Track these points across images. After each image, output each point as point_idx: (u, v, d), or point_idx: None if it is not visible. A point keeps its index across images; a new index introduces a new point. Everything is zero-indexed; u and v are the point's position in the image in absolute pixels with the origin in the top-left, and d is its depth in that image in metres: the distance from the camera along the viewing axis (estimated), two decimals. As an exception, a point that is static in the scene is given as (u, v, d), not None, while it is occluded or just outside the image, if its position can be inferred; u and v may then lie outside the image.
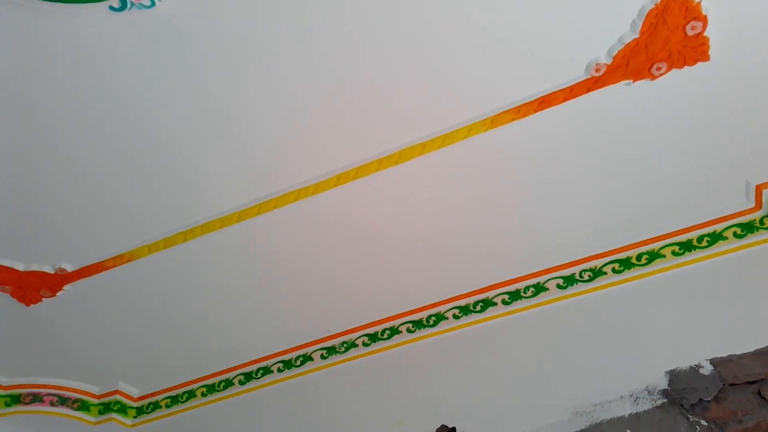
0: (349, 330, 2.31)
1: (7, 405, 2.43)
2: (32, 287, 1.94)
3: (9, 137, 1.47)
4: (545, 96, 1.53)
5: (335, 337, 2.35)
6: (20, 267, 1.88)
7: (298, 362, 2.40)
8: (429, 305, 2.23)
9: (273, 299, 2.13)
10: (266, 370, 2.44)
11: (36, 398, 2.45)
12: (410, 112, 1.54)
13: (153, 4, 1.21)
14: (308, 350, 2.38)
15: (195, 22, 1.27)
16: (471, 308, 2.20)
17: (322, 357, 2.36)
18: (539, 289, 2.12)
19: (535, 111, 1.56)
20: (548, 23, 1.38)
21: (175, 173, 1.62)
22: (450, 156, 1.67)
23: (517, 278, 2.15)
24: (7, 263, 1.86)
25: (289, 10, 1.28)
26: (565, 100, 1.54)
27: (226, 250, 1.89)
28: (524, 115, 1.58)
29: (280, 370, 2.42)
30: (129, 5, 1.21)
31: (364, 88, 1.46)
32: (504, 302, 2.17)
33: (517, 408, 1.96)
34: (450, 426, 2.04)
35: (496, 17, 1.36)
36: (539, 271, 2.11)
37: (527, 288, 2.14)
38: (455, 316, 2.22)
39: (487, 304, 2.19)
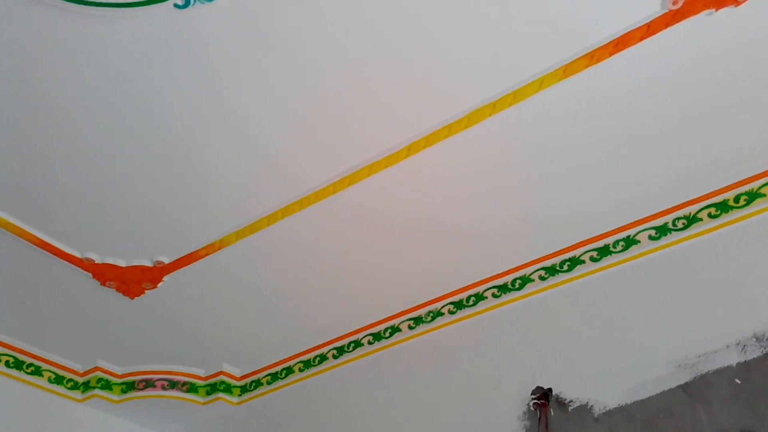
0: (433, 299, 2.32)
1: (123, 392, 2.63)
2: (135, 281, 2.07)
3: (97, 142, 1.56)
4: (620, 37, 1.44)
5: (421, 307, 2.36)
6: (122, 263, 2.01)
7: (387, 334, 2.44)
8: (513, 269, 2.19)
9: (356, 276, 2.16)
10: (357, 343, 2.50)
11: (148, 384, 2.64)
12: (475, 70, 1.49)
13: (212, -4, 1.24)
14: (395, 321, 2.41)
15: (254, 14, 1.29)
16: (558, 268, 2.15)
17: (410, 327, 2.39)
18: (630, 242, 2.03)
19: (610, 54, 1.48)
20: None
21: (256, 162, 1.67)
22: (522, 113, 1.61)
23: (604, 233, 2.06)
24: (110, 261, 1.99)
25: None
26: (642, 39, 1.44)
27: (307, 231, 1.93)
28: (599, 61, 1.49)
29: (370, 342, 2.48)
30: (192, 1, 1.24)
31: (421, 45, 1.43)
32: (592, 259, 2.10)
33: (617, 365, 1.91)
34: (546, 387, 2.02)
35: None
36: (628, 224, 2.01)
37: (616, 243, 2.06)
38: (541, 278, 2.18)
39: (575, 262, 2.12)
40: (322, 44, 1.38)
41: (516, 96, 1.57)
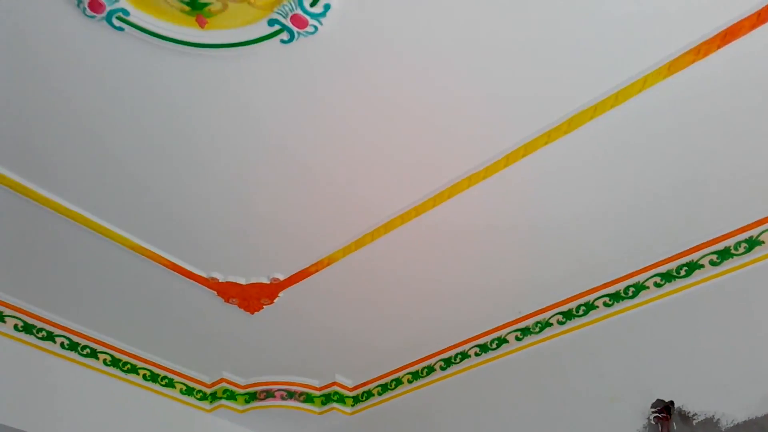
0: (540, 309, 2.28)
1: (247, 402, 2.81)
2: (254, 297, 2.23)
3: (224, 171, 1.71)
4: (728, 28, 1.37)
5: (528, 318, 2.33)
6: (242, 281, 2.17)
7: (494, 345, 2.43)
8: (626, 275, 2.11)
9: (457, 287, 2.18)
10: (464, 355, 2.51)
11: (269, 394, 2.80)
12: (573, 75, 1.48)
13: (316, 30, 1.33)
14: (502, 333, 2.40)
15: (356, 43, 1.37)
16: (674, 274, 2.04)
17: (517, 339, 2.37)
18: (753, 243, 1.90)
19: (718, 48, 1.41)
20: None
21: (361, 180, 1.76)
22: (624, 115, 1.57)
23: (728, 234, 1.93)
24: (232, 279, 2.16)
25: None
26: (752, 28, 1.36)
27: (408, 244, 1.98)
28: (705, 55, 1.43)
29: (477, 354, 2.48)
30: (296, 35, 1.34)
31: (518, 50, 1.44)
32: (712, 263, 1.98)
33: (744, 376, 1.79)
34: (667, 400, 1.93)
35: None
36: (753, 223, 1.88)
37: (738, 244, 1.93)
38: (657, 284, 2.08)
39: (693, 267, 2.01)
40: (417, 66, 1.44)
41: (618, 97, 1.53)
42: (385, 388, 2.75)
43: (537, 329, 2.32)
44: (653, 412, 1.94)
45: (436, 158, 1.69)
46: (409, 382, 2.67)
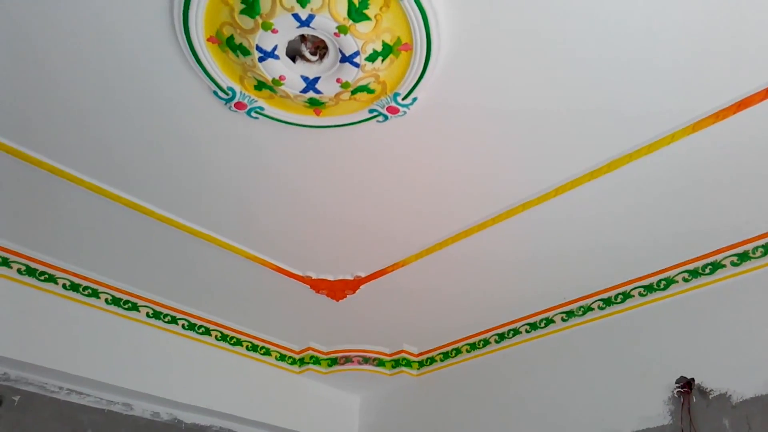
0: (583, 296, 2.67)
1: (329, 366, 3.33)
2: (339, 289, 2.69)
3: (318, 213, 2.12)
4: (742, 99, 1.67)
5: (572, 303, 2.73)
6: (331, 278, 2.63)
7: (542, 324, 2.84)
8: (658, 271, 2.47)
9: (513, 273, 2.56)
10: (515, 331, 2.93)
11: (347, 360, 3.31)
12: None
13: (405, 113, 1.70)
14: (550, 314, 2.81)
15: (432, 118, 1.73)
16: (700, 271, 2.39)
17: (563, 320, 2.77)
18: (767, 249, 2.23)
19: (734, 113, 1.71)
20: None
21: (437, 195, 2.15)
22: (655, 161, 1.89)
23: (747, 240, 2.26)
24: (323, 276, 2.62)
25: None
26: (761, 100, 1.66)
27: (461, 257, 2.38)
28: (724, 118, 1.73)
29: (527, 331, 2.90)
30: (389, 117, 1.72)
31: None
32: (732, 264, 2.32)
33: (756, 360, 2.16)
34: (689, 377, 2.32)
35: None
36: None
37: (755, 249, 2.26)
38: (684, 279, 2.43)
39: (716, 266, 2.35)
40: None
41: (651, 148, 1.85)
42: (446, 355, 3.22)
43: (580, 312, 2.72)
44: (676, 387, 2.33)
45: (495, 186, 2.06)
46: (467, 351, 3.13)
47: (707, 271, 2.38)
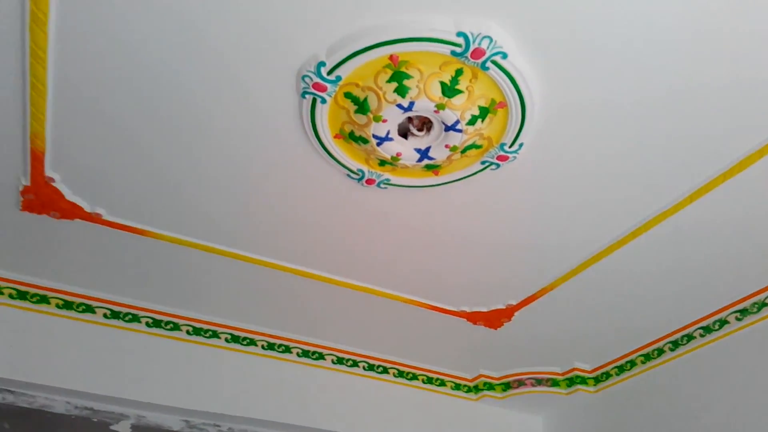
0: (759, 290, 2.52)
1: (504, 390, 3.45)
2: (495, 319, 2.83)
3: (462, 254, 2.32)
4: None
5: (747, 299, 2.58)
6: (484, 309, 2.79)
7: (716, 326, 2.71)
8: None
9: (669, 281, 2.51)
10: (689, 337, 2.82)
11: (521, 383, 3.40)
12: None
13: (515, 158, 1.85)
14: (722, 315, 2.67)
15: (539, 160, 1.85)
16: None
17: (737, 319, 2.62)
18: None
19: None
20: None
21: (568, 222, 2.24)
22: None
23: None
24: (476, 309, 2.79)
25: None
26: None
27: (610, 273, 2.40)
28: None
29: (701, 335, 2.78)
30: (501, 165, 1.87)
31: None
32: None
33: None
34: None
35: None
36: None
37: None
38: None
39: None
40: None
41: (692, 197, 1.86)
42: (621, 368, 3.17)
43: (754, 309, 2.56)
44: None
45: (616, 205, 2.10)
46: (642, 363, 3.06)
47: None
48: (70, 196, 2.08)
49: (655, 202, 2.05)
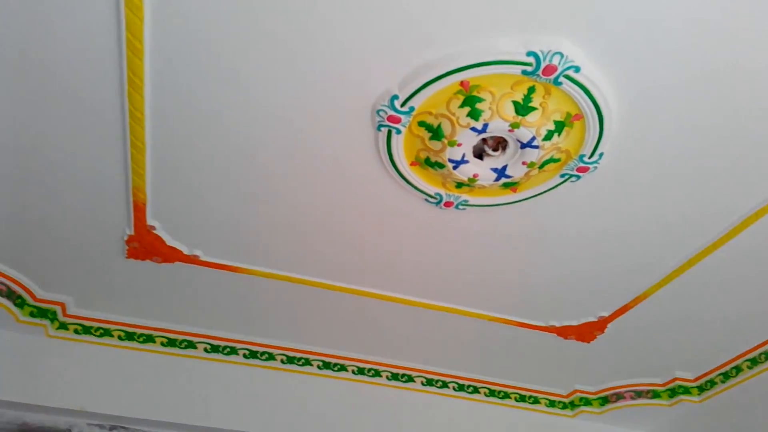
0: None
1: (602, 405, 3.33)
2: (587, 332, 2.76)
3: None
4: None
5: None
6: (575, 323, 2.73)
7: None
8: None
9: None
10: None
11: (619, 396, 3.28)
12: None
13: (595, 169, 1.82)
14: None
15: (619, 167, 1.82)
16: None
17: None
18: None
19: None
20: None
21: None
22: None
23: None
24: (566, 323, 2.73)
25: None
26: None
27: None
28: None
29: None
30: (581, 177, 1.85)
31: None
32: None
33: None
34: None
35: None
36: None
37: None
38: None
39: None
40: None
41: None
42: (726, 375, 2.99)
43: None
44: None
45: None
46: (749, 368, 2.88)
47: None
48: (170, 241, 2.24)
49: (751, 197, 1.96)
